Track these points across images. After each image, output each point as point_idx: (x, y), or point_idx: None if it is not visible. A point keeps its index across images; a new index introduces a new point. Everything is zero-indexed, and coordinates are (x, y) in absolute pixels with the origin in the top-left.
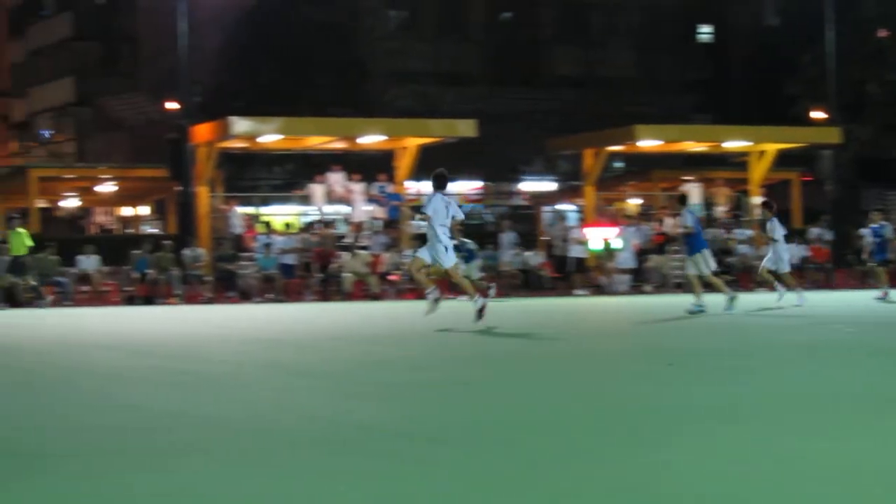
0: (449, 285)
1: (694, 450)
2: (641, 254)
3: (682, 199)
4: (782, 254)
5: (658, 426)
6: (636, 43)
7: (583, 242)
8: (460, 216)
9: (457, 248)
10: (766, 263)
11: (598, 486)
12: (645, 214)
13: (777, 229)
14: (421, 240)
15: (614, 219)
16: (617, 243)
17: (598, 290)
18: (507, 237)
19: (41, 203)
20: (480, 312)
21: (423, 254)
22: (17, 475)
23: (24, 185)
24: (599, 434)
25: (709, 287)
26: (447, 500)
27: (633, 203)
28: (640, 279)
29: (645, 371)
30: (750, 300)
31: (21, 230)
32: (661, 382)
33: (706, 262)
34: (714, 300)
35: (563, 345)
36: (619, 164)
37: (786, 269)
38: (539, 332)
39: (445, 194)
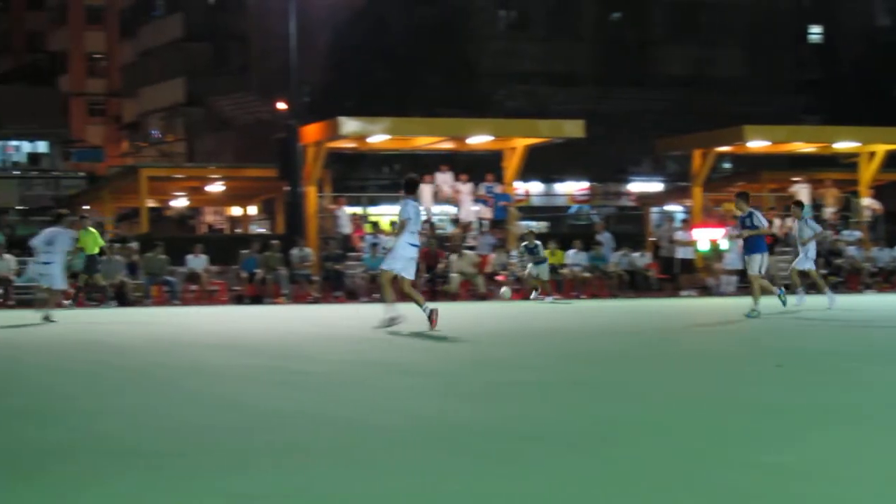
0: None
1: (809, 452)
2: None
3: (745, 196)
4: (810, 254)
5: (771, 428)
6: (746, 43)
7: (690, 243)
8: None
9: (530, 251)
10: (806, 266)
11: (710, 488)
12: None
13: (807, 230)
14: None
15: (722, 220)
16: (724, 244)
17: (706, 291)
18: (604, 238)
19: (151, 203)
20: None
21: (405, 270)
22: (118, 473)
23: (134, 184)
24: (710, 435)
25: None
26: (551, 502)
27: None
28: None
29: (753, 372)
30: (859, 302)
31: (92, 229)
32: (770, 383)
33: (762, 264)
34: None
35: (671, 345)
36: (727, 165)
37: (804, 267)
38: (646, 332)
39: (416, 200)
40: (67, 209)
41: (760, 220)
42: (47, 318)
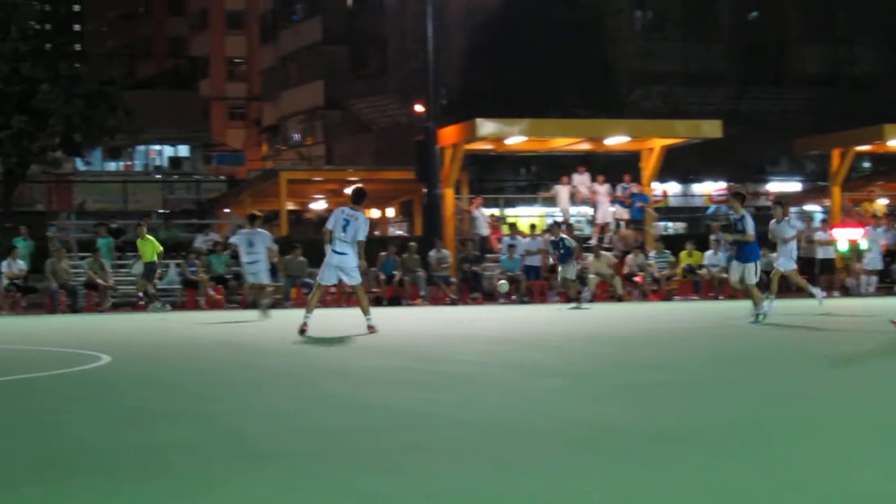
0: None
1: None
2: (889, 255)
3: (740, 198)
4: (793, 254)
5: None
6: (885, 40)
7: (829, 243)
8: (362, 236)
9: (555, 246)
10: (779, 267)
11: (847, 489)
12: (893, 215)
13: (788, 229)
14: (665, 241)
15: (861, 220)
16: (864, 244)
17: (845, 291)
18: (719, 238)
19: (290, 205)
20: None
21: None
22: (249, 472)
23: (274, 187)
24: (848, 435)
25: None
26: (690, 502)
27: (881, 203)
28: (889, 280)
29: (891, 372)
30: None
31: (149, 237)
32: None
33: (756, 272)
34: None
35: (810, 345)
36: (866, 164)
37: (788, 268)
38: (784, 333)
39: (355, 210)
40: (208, 212)
41: (749, 224)
42: (265, 316)
